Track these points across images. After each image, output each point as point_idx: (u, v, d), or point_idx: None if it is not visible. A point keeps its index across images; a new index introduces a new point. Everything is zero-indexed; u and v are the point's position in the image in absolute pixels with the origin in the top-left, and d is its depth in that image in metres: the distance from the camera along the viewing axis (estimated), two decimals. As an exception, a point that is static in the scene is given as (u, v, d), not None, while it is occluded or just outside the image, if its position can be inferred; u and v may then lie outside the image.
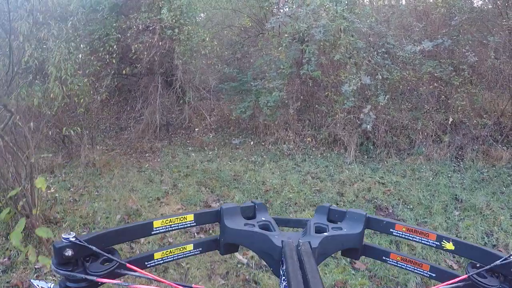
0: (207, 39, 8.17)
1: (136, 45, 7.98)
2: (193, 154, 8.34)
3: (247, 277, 4.41)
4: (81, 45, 7.26)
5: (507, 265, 0.90)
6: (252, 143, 8.79)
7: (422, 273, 1.06)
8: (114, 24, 8.20)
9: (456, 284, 0.95)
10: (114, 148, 8.86)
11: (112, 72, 8.36)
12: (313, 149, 8.68)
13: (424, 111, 8.94)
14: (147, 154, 8.41)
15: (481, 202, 6.20)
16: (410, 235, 1.07)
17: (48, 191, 6.75)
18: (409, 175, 7.68)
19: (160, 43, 7.98)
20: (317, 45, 8.02)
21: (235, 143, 8.85)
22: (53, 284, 0.90)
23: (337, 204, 6.26)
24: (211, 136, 9.13)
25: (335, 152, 8.57)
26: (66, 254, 0.86)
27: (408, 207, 6.26)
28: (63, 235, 0.87)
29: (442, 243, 1.03)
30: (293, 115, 8.52)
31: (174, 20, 7.75)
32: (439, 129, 8.68)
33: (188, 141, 8.98)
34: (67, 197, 6.46)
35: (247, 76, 8.85)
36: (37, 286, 0.91)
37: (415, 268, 1.07)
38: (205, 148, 8.65)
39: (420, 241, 1.06)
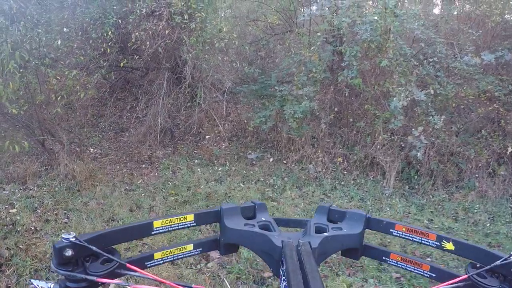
0: (224, 29, 6.30)
1: (137, 33, 6.19)
2: (199, 169, 6.54)
3: None
4: (64, 29, 5.49)
5: (507, 265, 0.86)
6: (271, 159, 6.95)
7: (422, 273, 1.01)
8: (114, 7, 6.40)
9: (456, 284, 0.91)
10: (109, 153, 7.12)
11: (107, 64, 6.58)
12: (345, 172, 6.81)
13: (478, 137, 7.02)
14: (143, 165, 6.64)
15: None
16: (410, 235, 1.03)
17: (10, 211, 5.08)
18: (462, 218, 5.88)
19: (167, 31, 6.17)
20: (360, 47, 6.13)
21: (251, 158, 7.02)
22: (53, 284, 0.83)
23: (380, 265, 4.42)
24: (223, 147, 7.31)
25: (371, 179, 6.70)
26: (66, 254, 0.82)
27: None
28: (63, 235, 0.82)
29: (442, 243, 0.98)
30: (324, 130, 6.64)
31: (184, 4, 5.92)
32: (494, 159, 6.76)
33: (195, 151, 7.17)
34: (29, 223, 4.74)
35: (271, 79, 6.97)
36: (37, 286, 0.85)
37: (415, 268, 1.02)
38: (215, 162, 6.84)
39: (420, 241, 1.01)
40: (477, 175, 6.82)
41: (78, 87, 5.78)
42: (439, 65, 6.72)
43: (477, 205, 6.28)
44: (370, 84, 6.60)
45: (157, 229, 0.99)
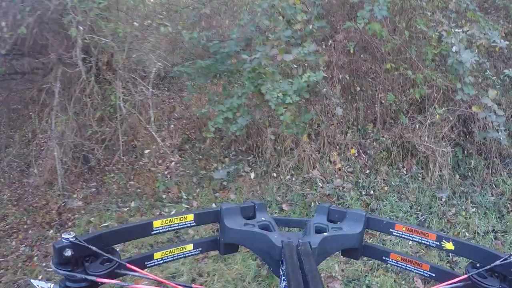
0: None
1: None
2: (139, 220, 3.67)
3: None
4: None
5: (507, 265, 0.80)
6: (252, 175, 4.14)
7: (422, 273, 0.94)
8: None
9: (456, 284, 0.85)
10: (8, 212, 4.12)
11: None
12: (367, 171, 4.13)
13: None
14: (50, 231, 3.70)
15: None
16: (410, 235, 0.94)
17: None
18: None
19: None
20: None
21: (219, 178, 4.18)
22: (53, 284, 0.77)
23: None
24: (172, 164, 4.42)
25: (405, 174, 4.10)
26: (66, 254, 0.75)
27: None
28: (63, 235, 0.76)
29: (442, 243, 0.91)
30: (338, 117, 3.85)
31: None
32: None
33: (129, 183, 4.23)
34: None
35: (230, 45, 3.95)
36: (37, 286, 0.78)
37: (415, 268, 0.95)
38: (163, 197, 3.96)
39: (420, 241, 0.94)
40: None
41: None
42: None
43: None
44: (389, 29, 3.82)
45: (157, 229, 0.90)
